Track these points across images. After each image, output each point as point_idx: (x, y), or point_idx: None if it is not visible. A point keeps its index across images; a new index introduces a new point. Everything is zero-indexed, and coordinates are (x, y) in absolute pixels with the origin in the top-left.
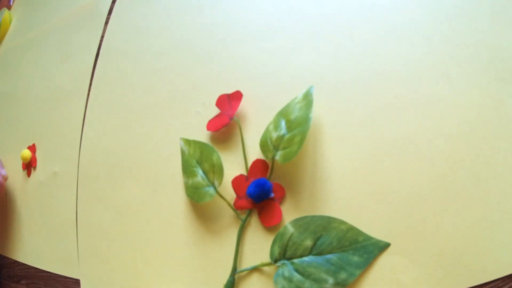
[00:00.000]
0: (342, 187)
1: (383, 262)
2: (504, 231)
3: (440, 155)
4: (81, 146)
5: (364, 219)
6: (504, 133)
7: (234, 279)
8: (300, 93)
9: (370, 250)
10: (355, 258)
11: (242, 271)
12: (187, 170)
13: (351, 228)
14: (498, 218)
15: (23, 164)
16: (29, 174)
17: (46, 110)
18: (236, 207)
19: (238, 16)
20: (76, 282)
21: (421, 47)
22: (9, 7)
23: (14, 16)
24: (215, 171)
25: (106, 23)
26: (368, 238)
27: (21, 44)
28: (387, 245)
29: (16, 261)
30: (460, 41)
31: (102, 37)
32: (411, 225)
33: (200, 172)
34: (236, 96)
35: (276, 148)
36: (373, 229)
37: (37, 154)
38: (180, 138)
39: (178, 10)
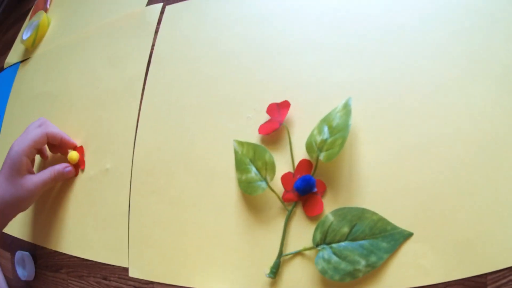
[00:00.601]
0: (373, 183)
1: (407, 249)
2: (510, 225)
3: (457, 158)
4: (135, 144)
5: (392, 211)
6: None
7: (280, 261)
8: (339, 103)
9: (396, 238)
10: (384, 244)
11: (287, 255)
12: (240, 167)
13: (381, 219)
14: (506, 214)
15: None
16: (76, 174)
17: (95, 111)
18: (284, 200)
19: (284, 32)
20: (124, 269)
21: (442, 64)
22: (46, 10)
23: (52, 18)
24: (268, 168)
25: (156, 32)
26: (395, 227)
27: (63, 46)
28: (410, 234)
29: (55, 251)
30: (477, 58)
31: (153, 45)
32: (431, 217)
33: (253, 169)
34: (284, 105)
35: (320, 150)
36: (399, 220)
37: (86, 153)
38: (234, 140)
39: (226, 24)
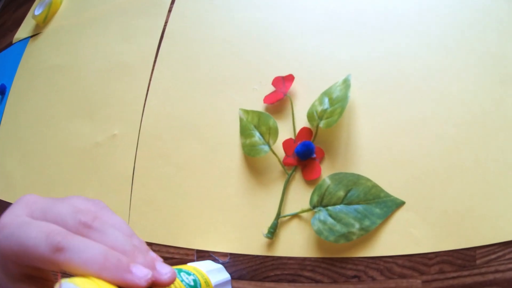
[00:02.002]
0: (369, 153)
1: (398, 216)
2: (499, 203)
3: (448, 136)
4: (144, 111)
5: (385, 180)
6: (502, 124)
7: (277, 222)
8: (340, 79)
9: (389, 205)
10: (377, 210)
11: (285, 216)
12: (244, 132)
13: (375, 186)
14: (494, 192)
15: None
16: None
17: (106, 81)
18: (284, 164)
19: (291, 16)
20: None
21: (438, 52)
22: None
23: None
24: (271, 132)
25: (169, 11)
26: (388, 195)
27: (76, 22)
28: (402, 203)
29: None
30: (470, 49)
31: (166, 22)
32: (423, 189)
33: (257, 134)
34: (289, 78)
35: (320, 118)
36: (392, 189)
37: (96, 120)
38: (239, 108)
39: (237, 7)
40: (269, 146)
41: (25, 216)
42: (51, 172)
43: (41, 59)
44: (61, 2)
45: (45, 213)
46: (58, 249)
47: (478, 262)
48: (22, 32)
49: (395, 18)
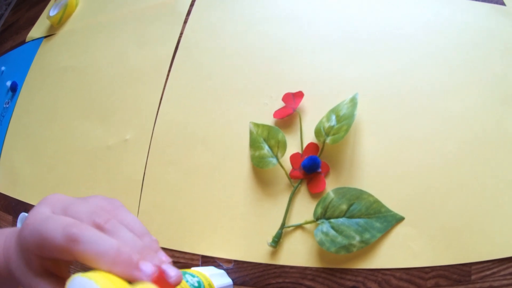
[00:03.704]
0: (372, 169)
1: (398, 230)
2: (496, 220)
3: (449, 153)
4: (157, 118)
5: (387, 195)
6: (502, 143)
7: (282, 232)
8: (347, 97)
9: (389, 219)
10: (377, 224)
11: (289, 227)
12: (254, 145)
13: (376, 201)
14: (492, 209)
15: None
16: None
17: (120, 86)
18: (291, 176)
19: (302, 32)
20: None
21: (442, 71)
22: None
23: (80, 0)
24: (280, 146)
25: (185, 22)
26: (388, 210)
27: (91, 26)
28: (402, 218)
29: None
30: (474, 69)
31: (181, 33)
32: (422, 204)
33: (266, 147)
34: (299, 94)
35: (327, 134)
36: (393, 203)
37: (108, 123)
38: (250, 122)
39: (252, 20)
40: (277, 159)
41: (48, 213)
42: (59, 171)
43: (55, 59)
44: (76, 4)
45: (65, 210)
46: (73, 239)
47: (473, 277)
48: (36, 31)
49: (402, 37)
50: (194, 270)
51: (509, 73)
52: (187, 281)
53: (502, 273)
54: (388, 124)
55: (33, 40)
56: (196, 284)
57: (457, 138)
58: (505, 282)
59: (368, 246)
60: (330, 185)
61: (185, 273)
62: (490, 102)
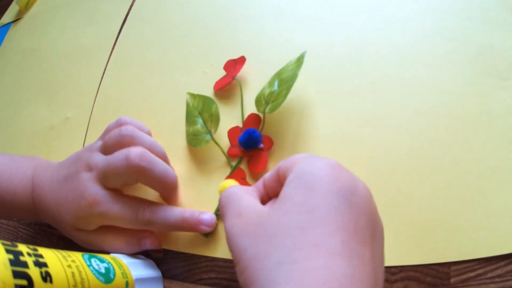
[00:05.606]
0: (323, 146)
1: None
2: (479, 213)
3: (418, 130)
4: (97, 95)
5: None
6: (486, 120)
7: (218, 215)
8: (294, 57)
9: None
10: None
11: None
12: (189, 119)
13: None
14: (473, 199)
15: None
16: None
17: (67, 65)
18: (229, 155)
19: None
20: None
21: (411, 38)
22: None
23: None
24: (213, 120)
25: None
26: None
27: (51, 8)
28: None
29: None
30: (450, 36)
31: (131, 6)
32: (385, 191)
33: (200, 121)
34: (240, 60)
35: (267, 103)
36: None
37: (52, 103)
38: (187, 93)
39: None
40: (211, 135)
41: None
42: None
43: (18, 43)
44: None
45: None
46: (149, 223)
47: (452, 280)
48: (6, 17)
49: (367, 1)
50: (110, 255)
51: (493, 42)
52: (89, 265)
53: (490, 275)
54: (345, 95)
55: (2, 26)
56: (103, 271)
57: (430, 114)
58: (492, 286)
59: None
60: (273, 163)
61: (92, 257)
62: (470, 73)
